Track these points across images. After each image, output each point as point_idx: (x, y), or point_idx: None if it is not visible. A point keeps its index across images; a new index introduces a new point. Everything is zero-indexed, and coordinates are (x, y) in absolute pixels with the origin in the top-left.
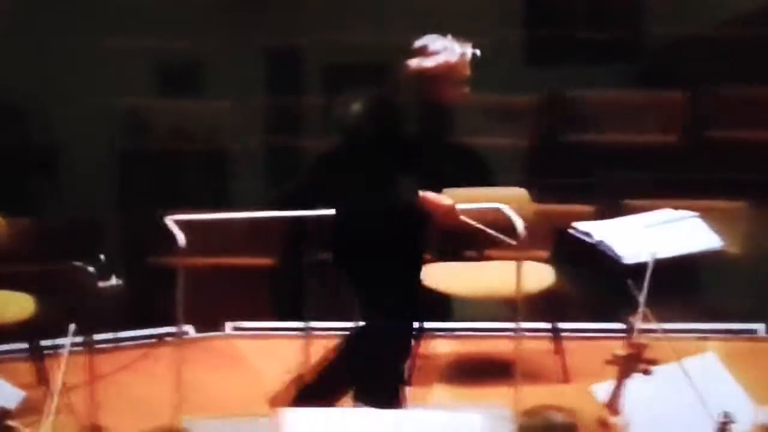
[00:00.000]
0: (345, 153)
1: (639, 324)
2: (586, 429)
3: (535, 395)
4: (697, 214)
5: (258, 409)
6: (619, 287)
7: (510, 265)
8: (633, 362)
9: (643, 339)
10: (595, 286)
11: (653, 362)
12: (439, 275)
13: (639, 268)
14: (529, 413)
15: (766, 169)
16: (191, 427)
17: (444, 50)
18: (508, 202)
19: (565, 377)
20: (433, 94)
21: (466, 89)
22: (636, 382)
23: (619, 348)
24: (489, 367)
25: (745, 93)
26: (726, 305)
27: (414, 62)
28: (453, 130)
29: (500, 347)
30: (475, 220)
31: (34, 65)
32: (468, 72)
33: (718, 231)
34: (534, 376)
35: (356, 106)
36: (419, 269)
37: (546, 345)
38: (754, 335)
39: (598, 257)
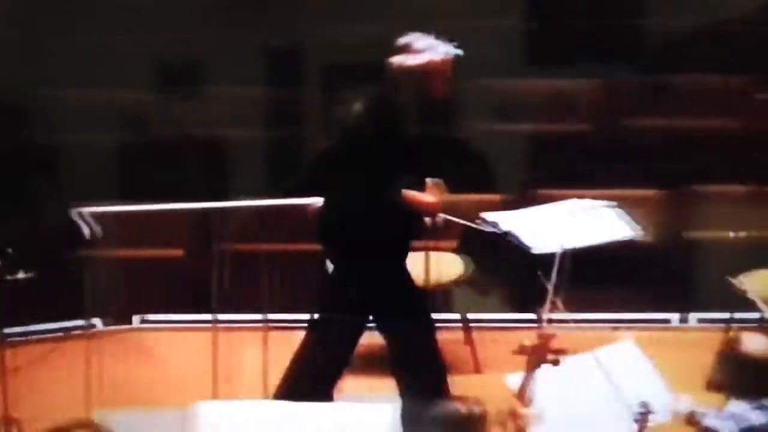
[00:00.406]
0: (343, 151)
1: (548, 314)
2: (497, 420)
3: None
4: (610, 203)
5: (168, 400)
6: (529, 277)
7: (419, 256)
8: (541, 353)
9: (552, 329)
10: (505, 277)
11: (562, 352)
12: None
13: (550, 258)
14: (438, 403)
15: (676, 157)
16: (102, 419)
17: (428, 49)
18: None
19: (476, 368)
20: (419, 92)
21: (448, 87)
22: (549, 373)
23: (528, 338)
24: None
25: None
26: (639, 294)
27: (397, 60)
28: (449, 126)
29: None
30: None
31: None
32: (450, 71)
33: (631, 220)
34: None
35: (356, 106)
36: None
37: (457, 336)
38: (667, 324)
39: (506, 248)
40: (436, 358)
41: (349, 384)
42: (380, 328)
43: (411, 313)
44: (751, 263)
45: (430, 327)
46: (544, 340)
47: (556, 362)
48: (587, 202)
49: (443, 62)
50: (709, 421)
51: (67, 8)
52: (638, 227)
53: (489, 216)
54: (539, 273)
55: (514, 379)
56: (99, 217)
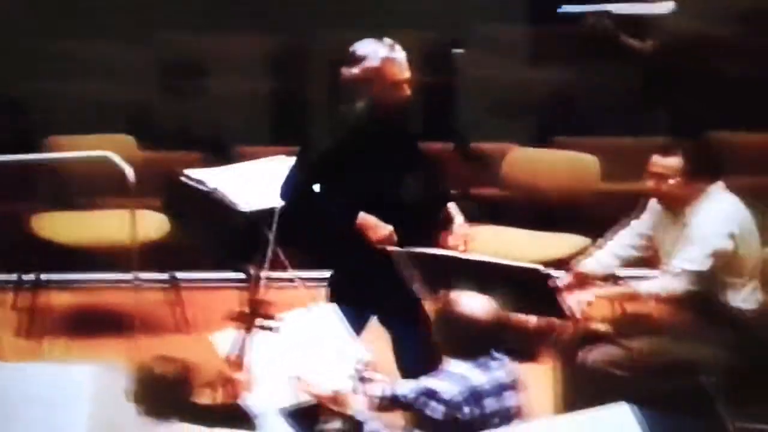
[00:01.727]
0: (346, 150)
1: (263, 274)
2: (207, 380)
3: (154, 347)
4: None
5: None
6: (238, 235)
7: (123, 214)
8: (254, 317)
9: (266, 289)
10: (213, 235)
11: (274, 318)
12: (52, 225)
13: (259, 216)
14: (144, 365)
15: None
16: None
17: (367, 56)
18: (114, 149)
19: (185, 328)
20: (373, 100)
21: (406, 92)
22: (261, 336)
23: (240, 303)
24: (106, 319)
25: None
26: None
27: (344, 70)
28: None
29: (117, 298)
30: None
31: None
32: (401, 74)
33: None
34: (153, 327)
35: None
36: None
37: (164, 295)
38: None
39: (213, 205)
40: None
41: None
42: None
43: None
44: None
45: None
46: (258, 305)
47: (268, 328)
48: (285, 159)
49: (385, 67)
50: (429, 382)
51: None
52: None
53: (195, 173)
54: (265, 230)
55: (221, 338)
56: None
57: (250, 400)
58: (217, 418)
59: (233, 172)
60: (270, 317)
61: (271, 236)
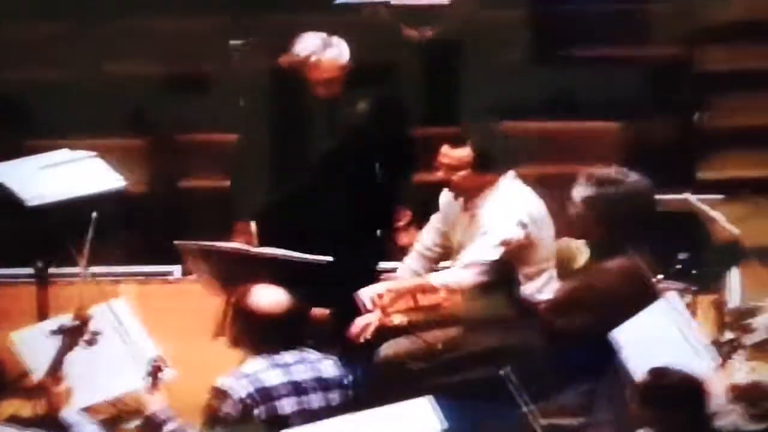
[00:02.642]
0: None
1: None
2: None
3: None
4: (94, 153)
5: None
6: (35, 229)
7: None
8: (79, 333)
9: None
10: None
11: (98, 333)
12: None
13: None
14: None
15: None
16: None
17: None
18: None
19: None
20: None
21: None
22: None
23: (63, 318)
24: None
25: None
26: (142, 246)
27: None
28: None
29: None
30: None
31: None
32: (318, 75)
33: (118, 169)
34: None
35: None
36: None
37: None
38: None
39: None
40: None
41: None
42: None
43: None
44: None
45: None
46: (83, 321)
47: (92, 342)
48: (73, 153)
49: (301, 63)
50: (220, 381)
51: None
52: (127, 177)
53: None
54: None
55: (20, 337)
56: None
57: (67, 411)
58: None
59: (19, 166)
60: (97, 333)
61: (90, 233)
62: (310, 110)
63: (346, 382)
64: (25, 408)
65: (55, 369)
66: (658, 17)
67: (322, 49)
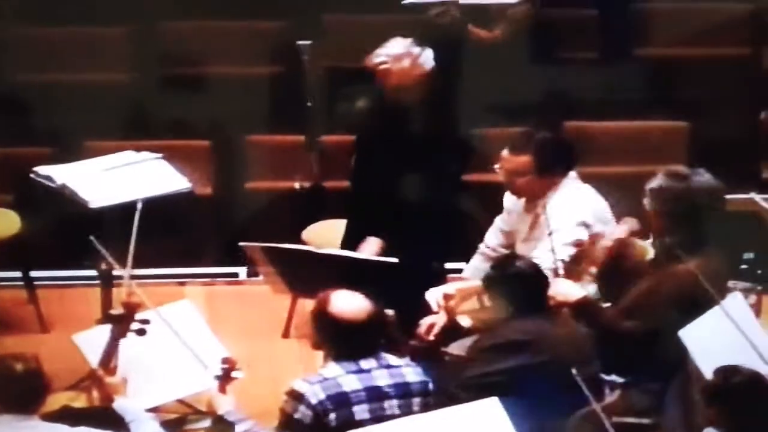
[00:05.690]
0: None
1: (124, 271)
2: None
3: (10, 347)
4: (159, 155)
5: None
6: (92, 232)
7: None
8: (129, 321)
9: (128, 289)
10: (66, 232)
11: (147, 322)
12: None
13: (108, 212)
14: None
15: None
16: None
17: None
18: None
19: (43, 327)
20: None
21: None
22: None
23: (115, 306)
24: None
25: None
26: (205, 248)
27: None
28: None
29: None
30: None
31: None
32: (390, 80)
33: (182, 171)
34: (9, 327)
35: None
36: None
37: (19, 294)
38: (235, 279)
39: (63, 201)
40: None
41: None
42: None
43: None
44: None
45: None
46: (131, 310)
47: (141, 332)
48: (137, 155)
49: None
50: (297, 384)
51: None
52: (192, 179)
53: (43, 169)
54: (95, 234)
55: (84, 338)
56: None
57: (122, 404)
58: (90, 421)
59: (82, 168)
60: (146, 321)
61: (134, 232)
62: (389, 115)
63: (428, 388)
64: (78, 399)
65: (108, 359)
66: (726, 16)
67: (404, 56)
